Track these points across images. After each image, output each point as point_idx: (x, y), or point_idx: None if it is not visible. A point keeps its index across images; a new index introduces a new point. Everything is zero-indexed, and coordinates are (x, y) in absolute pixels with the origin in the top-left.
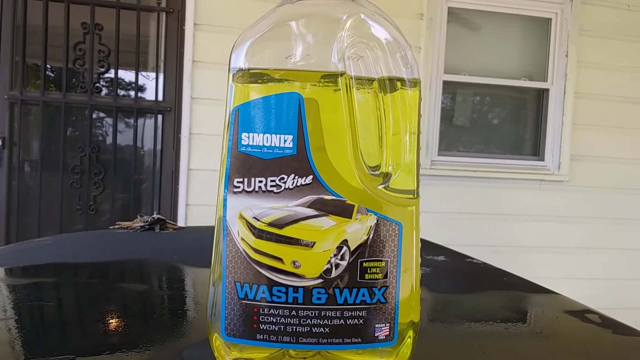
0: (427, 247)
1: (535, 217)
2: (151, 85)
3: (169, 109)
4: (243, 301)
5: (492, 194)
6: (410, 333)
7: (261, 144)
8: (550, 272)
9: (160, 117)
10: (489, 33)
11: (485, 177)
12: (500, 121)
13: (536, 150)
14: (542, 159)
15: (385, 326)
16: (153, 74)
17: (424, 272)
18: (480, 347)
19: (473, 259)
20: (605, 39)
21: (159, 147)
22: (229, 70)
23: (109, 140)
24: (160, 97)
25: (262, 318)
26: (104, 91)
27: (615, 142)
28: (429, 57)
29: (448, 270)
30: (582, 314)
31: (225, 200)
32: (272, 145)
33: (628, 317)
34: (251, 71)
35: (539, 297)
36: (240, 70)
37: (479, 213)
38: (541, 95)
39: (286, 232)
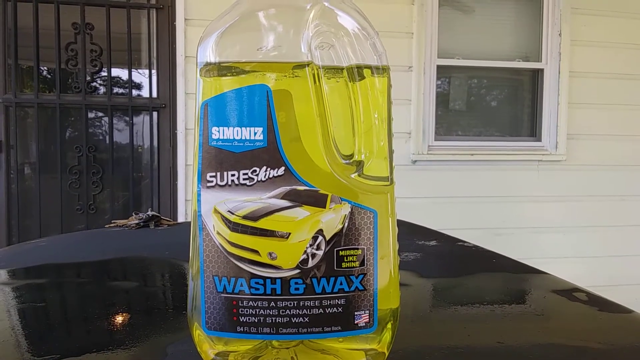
0: (419, 232)
1: (534, 197)
2: (145, 83)
3: (164, 105)
4: (222, 294)
5: (490, 177)
6: (391, 319)
7: (232, 137)
8: (551, 252)
9: (155, 114)
10: (482, 15)
11: (482, 160)
12: (496, 103)
13: (533, 131)
14: (539, 140)
15: (365, 313)
16: (146, 71)
17: (414, 258)
18: (465, 330)
19: (465, 242)
20: (598, 17)
21: (155, 144)
22: (197, 64)
23: (106, 139)
24: (154, 94)
25: (242, 310)
26: (99, 90)
27: (611, 119)
28: (421, 42)
29: (439, 255)
30: (570, 292)
31: (199, 195)
32: (243, 138)
33: (630, 294)
34: (218, 64)
35: (528, 277)
36: (208, 64)
37: (478, 196)
38: (536, 76)
39: (261, 224)
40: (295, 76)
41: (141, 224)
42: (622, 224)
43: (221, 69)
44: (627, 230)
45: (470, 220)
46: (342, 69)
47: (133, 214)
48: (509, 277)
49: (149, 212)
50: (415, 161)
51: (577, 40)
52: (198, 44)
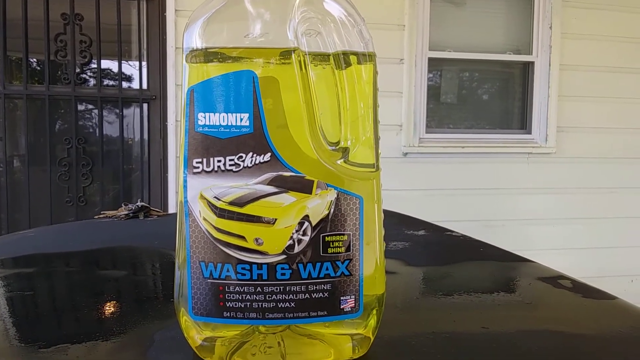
0: (408, 223)
1: (524, 190)
2: (135, 74)
3: (154, 97)
4: (208, 280)
5: (481, 169)
6: (376, 304)
7: (218, 123)
8: (541, 244)
9: (145, 105)
10: (473, 8)
11: (473, 152)
12: (487, 96)
13: (523, 124)
14: (530, 132)
15: (351, 298)
16: (136, 63)
17: (403, 247)
18: (451, 316)
19: (453, 232)
20: (589, 10)
21: (145, 136)
22: (182, 50)
23: (96, 131)
24: (144, 86)
25: (228, 296)
26: (89, 82)
27: (600, 112)
28: (413, 35)
29: (427, 244)
30: (555, 280)
31: (185, 181)
32: (229, 124)
33: (619, 285)
34: (204, 50)
35: (514, 266)
36: (194, 50)
37: (469, 189)
38: (527, 69)
39: (247, 210)
40: (282, 63)
41: (130, 214)
42: (612, 216)
43: (207, 55)
44: (616, 222)
45: (461, 212)
46: (329, 55)
47: (122, 205)
48: (496, 266)
49: (139, 203)
50: (407, 153)
51: (568, 33)
52: (184, 30)
